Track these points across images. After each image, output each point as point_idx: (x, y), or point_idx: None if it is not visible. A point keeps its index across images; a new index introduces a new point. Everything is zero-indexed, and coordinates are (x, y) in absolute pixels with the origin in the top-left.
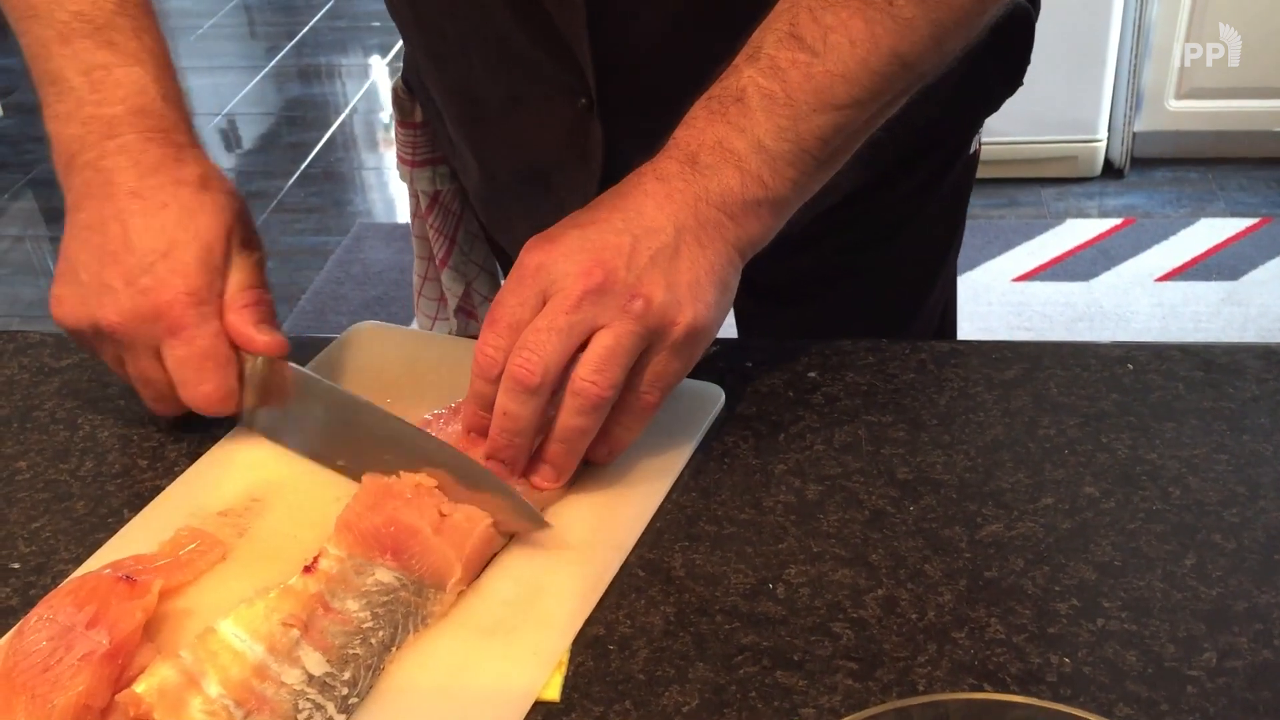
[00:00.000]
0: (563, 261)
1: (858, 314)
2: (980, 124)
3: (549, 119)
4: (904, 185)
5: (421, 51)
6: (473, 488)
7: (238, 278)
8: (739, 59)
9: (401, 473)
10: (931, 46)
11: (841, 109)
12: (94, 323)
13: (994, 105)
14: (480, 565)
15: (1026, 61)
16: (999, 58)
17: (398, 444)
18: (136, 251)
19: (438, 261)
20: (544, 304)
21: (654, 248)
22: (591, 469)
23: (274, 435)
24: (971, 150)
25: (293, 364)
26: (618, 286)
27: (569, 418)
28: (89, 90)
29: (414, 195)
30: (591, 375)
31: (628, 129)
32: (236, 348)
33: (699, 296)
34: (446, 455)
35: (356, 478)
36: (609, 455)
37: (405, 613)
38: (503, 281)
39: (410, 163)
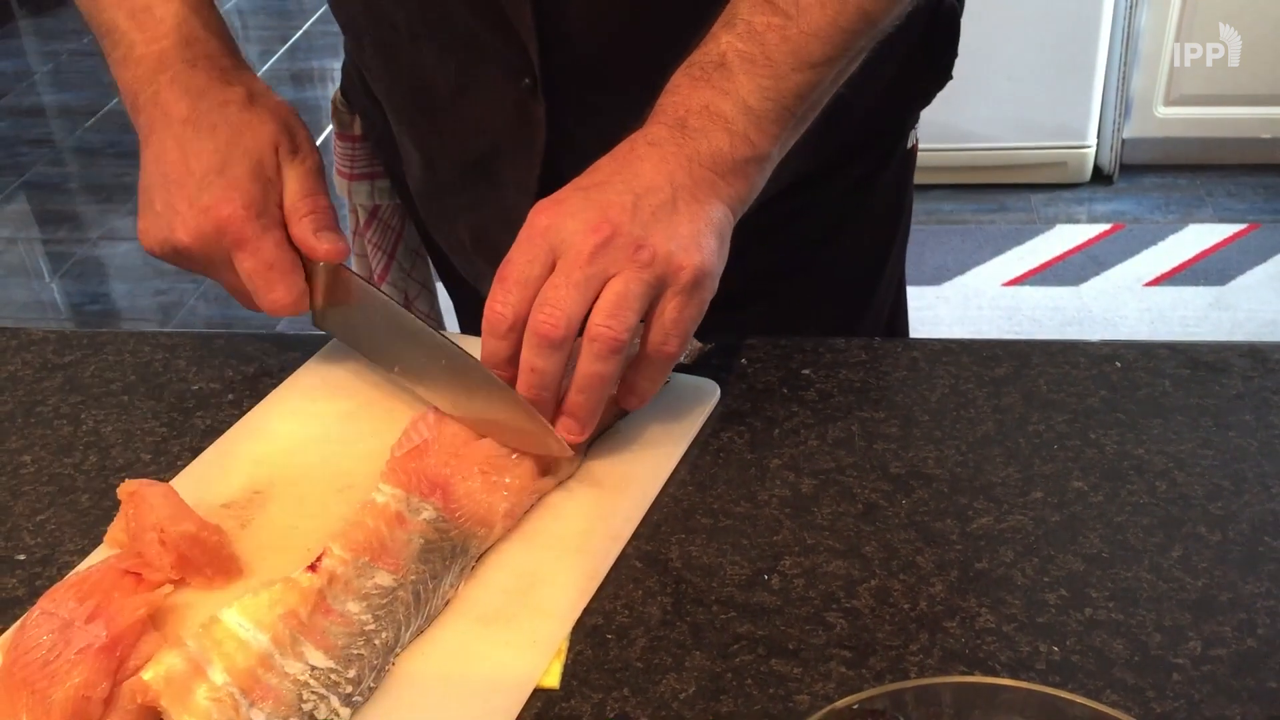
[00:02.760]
0: (570, 220)
1: (803, 316)
2: (914, 118)
3: (496, 104)
4: (842, 179)
5: (371, 46)
6: (502, 406)
7: (294, 186)
8: (716, 27)
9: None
10: (899, 2)
11: (817, 66)
12: (172, 246)
13: (926, 99)
14: (524, 506)
15: (953, 56)
16: (928, 53)
17: (442, 356)
18: (195, 173)
19: (375, 277)
20: (553, 262)
21: (654, 204)
22: (589, 462)
23: (344, 337)
24: (909, 145)
25: (354, 271)
26: (624, 239)
27: (588, 364)
28: (137, 31)
29: (353, 211)
30: (607, 320)
31: (571, 108)
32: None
33: (701, 244)
34: (484, 376)
35: (415, 383)
36: (639, 402)
37: (436, 571)
38: (443, 297)
39: (349, 176)
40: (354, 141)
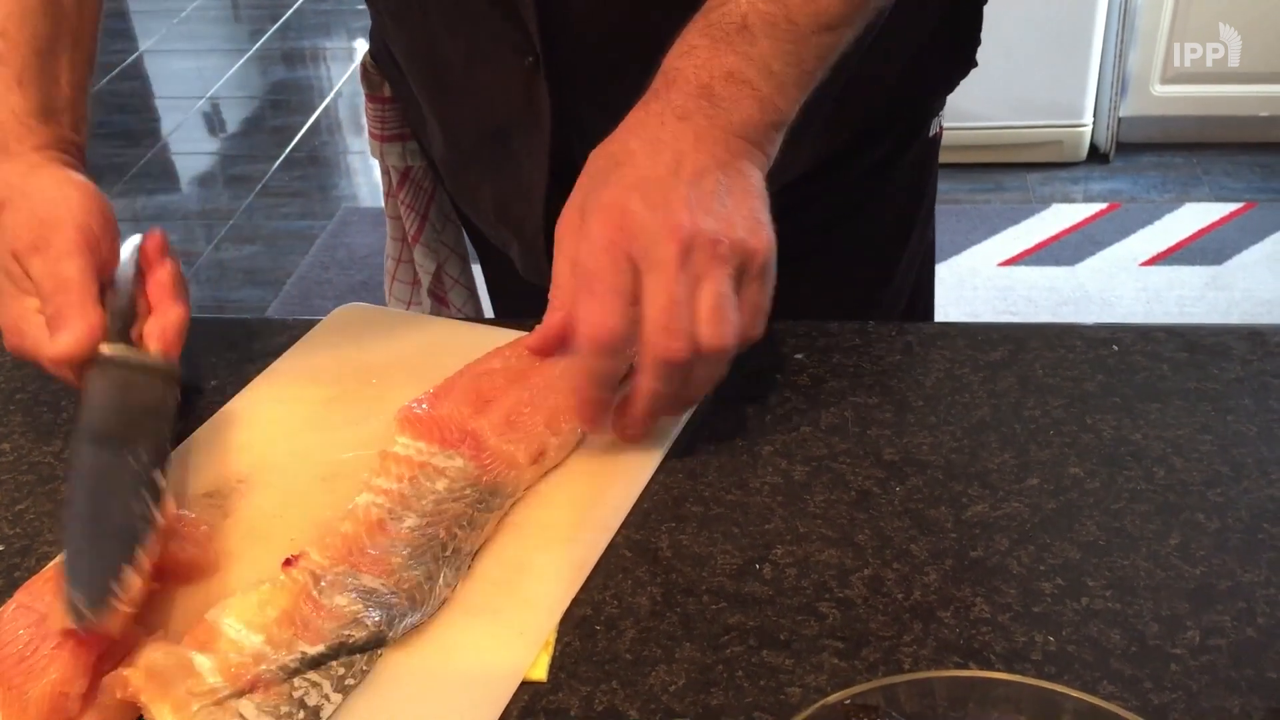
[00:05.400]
0: (642, 227)
1: (820, 296)
2: (936, 106)
3: (505, 77)
4: (861, 163)
5: (387, 15)
6: None
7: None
8: None
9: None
10: None
11: (836, 29)
12: None
13: (948, 86)
14: (545, 464)
15: (976, 43)
16: (949, 39)
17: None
18: None
19: (410, 238)
20: (633, 267)
21: (710, 189)
22: (576, 451)
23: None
24: (931, 133)
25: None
26: (703, 238)
27: (703, 370)
28: None
29: (385, 171)
30: (716, 330)
31: (575, 86)
32: None
33: (762, 221)
34: None
35: None
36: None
37: (461, 526)
38: (474, 264)
39: (380, 137)
40: (384, 103)
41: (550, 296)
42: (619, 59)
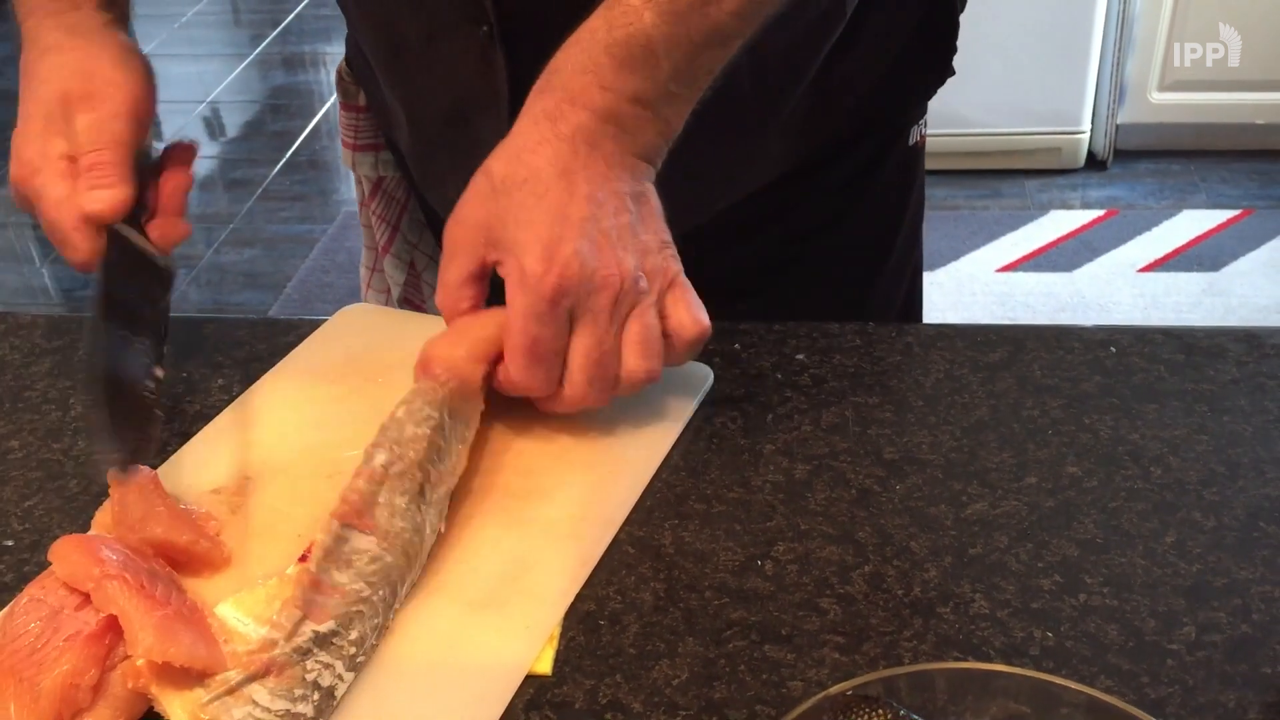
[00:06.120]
0: (585, 279)
1: (801, 306)
2: (915, 114)
3: (462, 53)
4: (838, 171)
5: (351, 1)
6: None
7: (80, 139)
8: None
9: None
10: None
11: (728, 43)
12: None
13: (924, 94)
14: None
15: (952, 51)
16: (925, 47)
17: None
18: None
19: (379, 249)
20: (571, 316)
21: (628, 224)
22: (580, 448)
23: None
24: (911, 141)
25: (135, 232)
26: (628, 282)
27: (626, 390)
28: None
29: (358, 181)
30: (643, 364)
31: (529, 56)
32: None
33: (666, 241)
34: None
35: None
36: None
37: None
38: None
39: (353, 147)
40: (358, 112)
41: (506, 339)
42: (571, 21)
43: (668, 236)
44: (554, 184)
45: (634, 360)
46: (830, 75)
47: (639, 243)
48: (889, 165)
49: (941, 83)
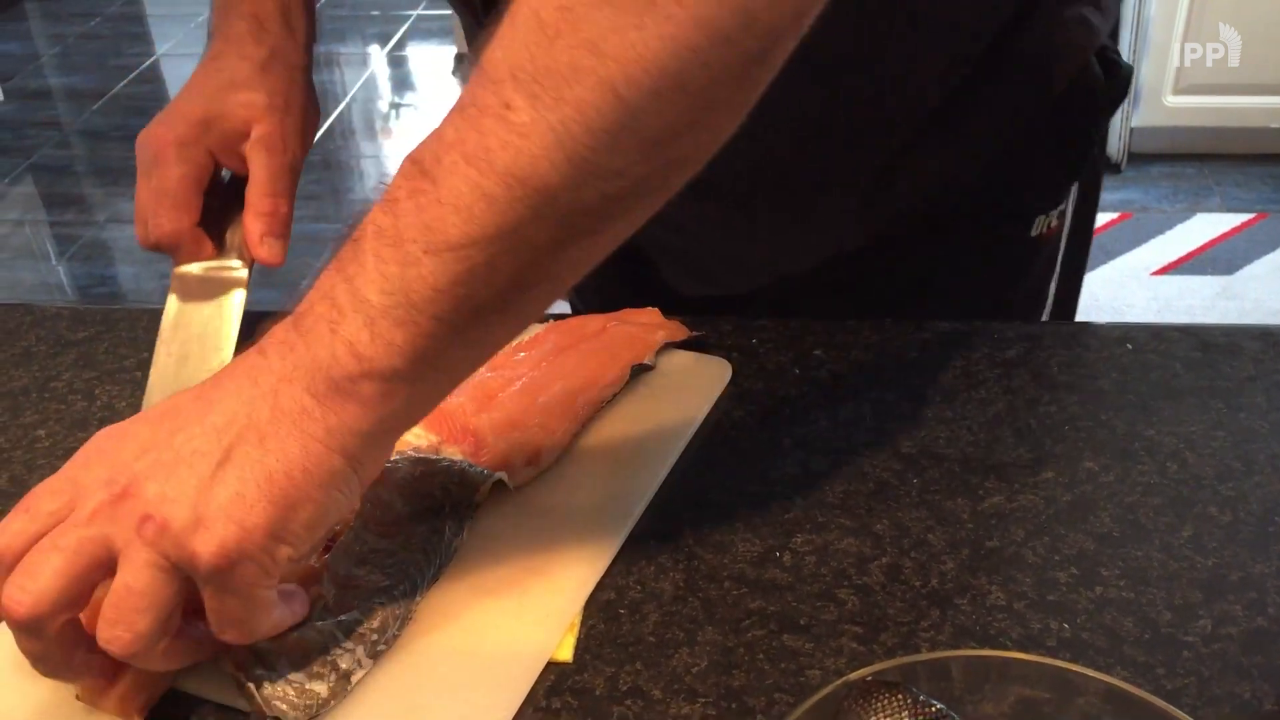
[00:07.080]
0: (98, 465)
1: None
2: (1039, 207)
3: (471, 39)
4: (925, 248)
5: None
6: None
7: (261, 178)
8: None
9: None
10: (560, 161)
11: (456, 250)
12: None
13: (1051, 193)
14: (540, 467)
15: (1091, 145)
16: (1053, 135)
17: None
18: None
19: None
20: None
21: (194, 451)
22: (601, 440)
23: None
24: (1034, 233)
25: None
26: (135, 502)
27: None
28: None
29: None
30: (110, 630)
31: None
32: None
33: (236, 516)
34: None
35: None
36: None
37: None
38: None
39: None
40: None
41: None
42: None
43: (256, 513)
44: (190, 394)
45: (101, 619)
46: (910, 157)
47: (198, 486)
48: (998, 257)
49: (1074, 181)
